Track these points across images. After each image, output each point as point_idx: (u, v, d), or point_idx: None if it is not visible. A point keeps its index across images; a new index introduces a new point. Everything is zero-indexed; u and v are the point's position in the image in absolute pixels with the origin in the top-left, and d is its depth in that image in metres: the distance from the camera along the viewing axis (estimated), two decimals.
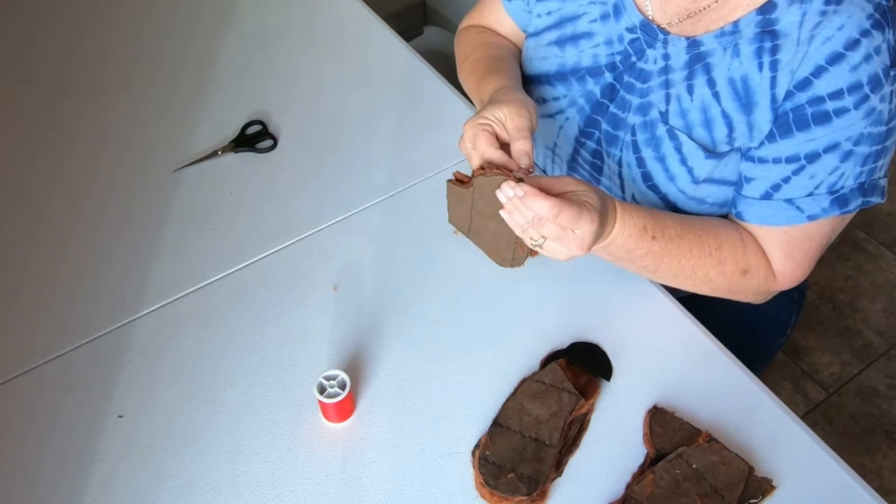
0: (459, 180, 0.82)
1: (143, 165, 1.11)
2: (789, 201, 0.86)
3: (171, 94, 1.22)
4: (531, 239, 0.78)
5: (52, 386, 0.88)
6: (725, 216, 0.94)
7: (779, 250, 0.89)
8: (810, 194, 0.85)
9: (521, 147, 0.81)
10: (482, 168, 0.80)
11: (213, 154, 1.12)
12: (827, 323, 1.96)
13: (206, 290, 0.97)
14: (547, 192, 0.74)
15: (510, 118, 0.82)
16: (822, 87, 0.80)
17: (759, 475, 0.79)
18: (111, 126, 1.17)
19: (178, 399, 0.87)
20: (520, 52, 1.09)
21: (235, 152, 1.13)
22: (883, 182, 0.86)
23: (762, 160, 0.86)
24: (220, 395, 0.87)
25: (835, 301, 2.00)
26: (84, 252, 1.01)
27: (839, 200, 0.85)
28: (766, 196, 0.87)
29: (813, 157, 0.83)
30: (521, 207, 0.75)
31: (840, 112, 0.80)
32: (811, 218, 0.86)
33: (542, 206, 0.73)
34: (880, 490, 1.41)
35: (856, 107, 0.80)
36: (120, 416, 0.86)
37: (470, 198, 0.82)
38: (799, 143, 0.83)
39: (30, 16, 1.36)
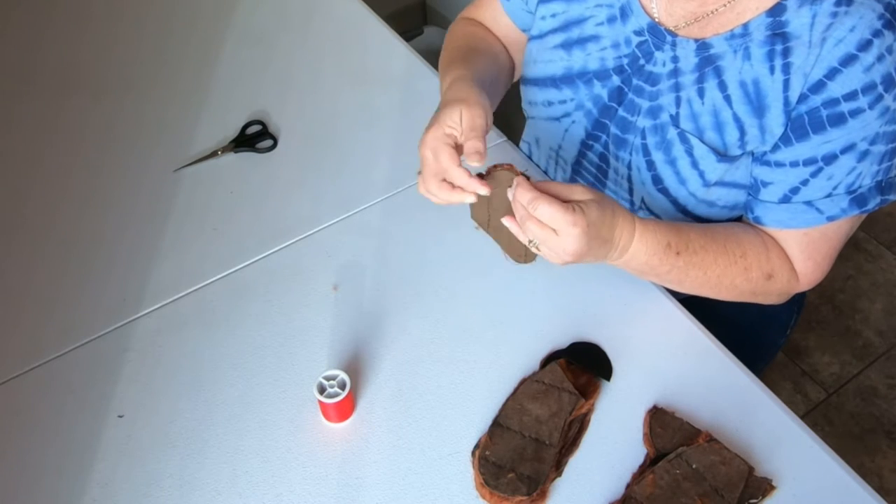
0: (480, 176, 0.83)
1: (144, 165, 1.11)
2: (808, 203, 0.85)
3: (171, 94, 1.22)
4: (529, 240, 0.78)
5: (53, 386, 0.88)
6: (738, 219, 0.94)
7: (799, 252, 0.88)
8: (829, 195, 0.84)
9: (472, 146, 0.81)
10: (496, 166, 0.81)
11: (213, 154, 1.12)
12: (827, 323, 1.96)
13: (206, 289, 0.97)
14: (553, 195, 0.75)
15: (465, 119, 0.83)
16: (836, 88, 0.79)
17: (759, 475, 0.79)
18: (111, 126, 1.17)
19: (178, 399, 0.87)
20: (507, 52, 1.08)
21: (235, 152, 1.13)
22: None
23: (779, 164, 0.85)
24: (220, 395, 0.87)
25: (835, 301, 2.00)
26: (84, 252, 1.01)
27: (858, 200, 0.84)
28: (785, 199, 0.86)
29: (830, 159, 0.82)
30: (516, 202, 0.76)
31: (855, 113, 0.80)
32: (831, 219, 0.85)
33: (525, 196, 0.75)
34: (880, 490, 1.41)
35: (870, 107, 0.79)
36: (120, 416, 0.86)
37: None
38: (815, 145, 0.82)
39: (30, 17, 1.36)
